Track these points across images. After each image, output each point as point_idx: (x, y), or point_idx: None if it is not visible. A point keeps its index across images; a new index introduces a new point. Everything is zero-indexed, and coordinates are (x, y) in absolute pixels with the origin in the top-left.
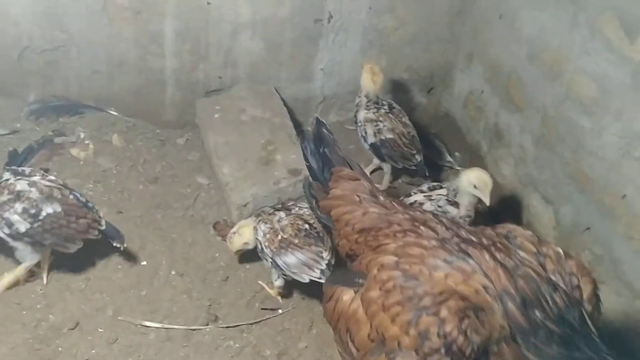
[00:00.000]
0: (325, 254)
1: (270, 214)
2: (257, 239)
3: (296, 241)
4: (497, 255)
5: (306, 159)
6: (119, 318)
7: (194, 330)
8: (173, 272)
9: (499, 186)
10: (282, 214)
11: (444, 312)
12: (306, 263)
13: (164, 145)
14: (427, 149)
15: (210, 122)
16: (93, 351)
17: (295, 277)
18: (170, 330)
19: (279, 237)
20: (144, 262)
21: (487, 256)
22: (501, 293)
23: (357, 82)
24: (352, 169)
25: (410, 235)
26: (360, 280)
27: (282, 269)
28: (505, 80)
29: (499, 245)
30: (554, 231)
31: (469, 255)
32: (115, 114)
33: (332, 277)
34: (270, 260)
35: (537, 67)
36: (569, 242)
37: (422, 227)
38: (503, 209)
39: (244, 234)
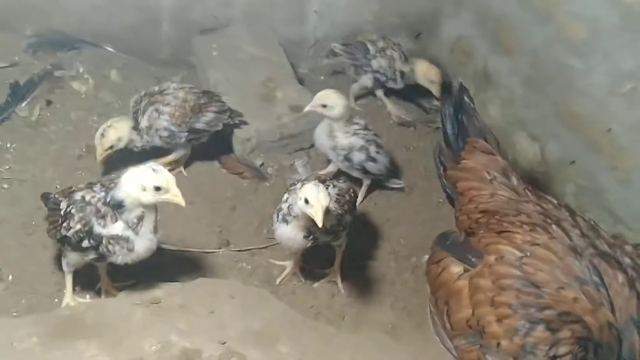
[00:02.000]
0: (223, 98)
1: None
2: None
3: (202, 101)
4: (637, 284)
5: (442, 123)
6: None
7: (208, 253)
8: None
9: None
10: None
11: (564, 334)
12: (220, 111)
13: (160, 82)
14: (414, 92)
15: (208, 59)
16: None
17: (214, 129)
18: (186, 253)
19: (187, 107)
20: None
21: (621, 278)
22: (626, 324)
23: (350, 25)
24: (487, 141)
25: (539, 233)
26: (474, 259)
27: (202, 131)
28: (495, 25)
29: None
30: (539, 166)
31: (602, 281)
32: (112, 50)
33: (445, 242)
34: (186, 135)
35: (528, 11)
36: (554, 175)
37: (554, 227)
38: None
39: (119, 128)
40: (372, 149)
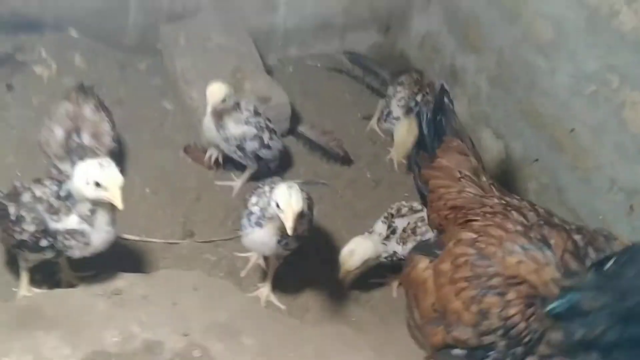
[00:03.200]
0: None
1: None
2: None
3: None
4: (580, 243)
5: (420, 126)
6: None
7: (171, 243)
8: (147, 190)
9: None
10: None
11: (511, 295)
12: None
13: (125, 69)
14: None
15: (175, 47)
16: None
17: None
18: (149, 244)
19: None
20: None
21: (568, 241)
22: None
23: (319, 17)
24: (462, 141)
25: (497, 217)
26: (439, 252)
27: None
28: (463, 23)
29: (587, 233)
30: (502, 164)
31: (548, 244)
32: (76, 35)
33: (418, 246)
34: None
35: (496, 10)
36: (517, 172)
37: (513, 212)
38: None
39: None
40: (266, 135)
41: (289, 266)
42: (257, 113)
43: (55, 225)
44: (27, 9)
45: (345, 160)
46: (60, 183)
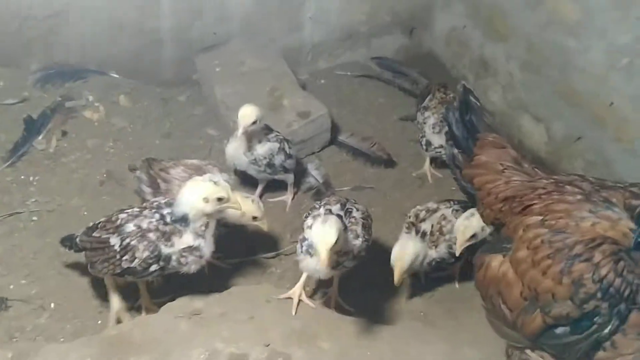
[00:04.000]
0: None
1: None
2: None
3: None
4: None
5: (451, 129)
6: None
7: (238, 262)
8: None
9: (489, 113)
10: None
11: (597, 257)
12: None
13: (167, 103)
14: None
15: (212, 76)
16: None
17: None
18: (219, 265)
19: None
20: None
21: (626, 195)
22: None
23: (344, 27)
24: (498, 134)
25: (554, 195)
26: (508, 245)
27: None
28: (488, 14)
29: None
30: (545, 146)
31: (612, 203)
32: (117, 76)
33: (483, 248)
34: None
35: None
36: (562, 153)
37: (567, 187)
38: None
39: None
40: (286, 145)
41: (352, 270)
42: (270, 129)
43: (168, 249)
44: (70, 59)
45: (389, 162)
46: (158, 209)
